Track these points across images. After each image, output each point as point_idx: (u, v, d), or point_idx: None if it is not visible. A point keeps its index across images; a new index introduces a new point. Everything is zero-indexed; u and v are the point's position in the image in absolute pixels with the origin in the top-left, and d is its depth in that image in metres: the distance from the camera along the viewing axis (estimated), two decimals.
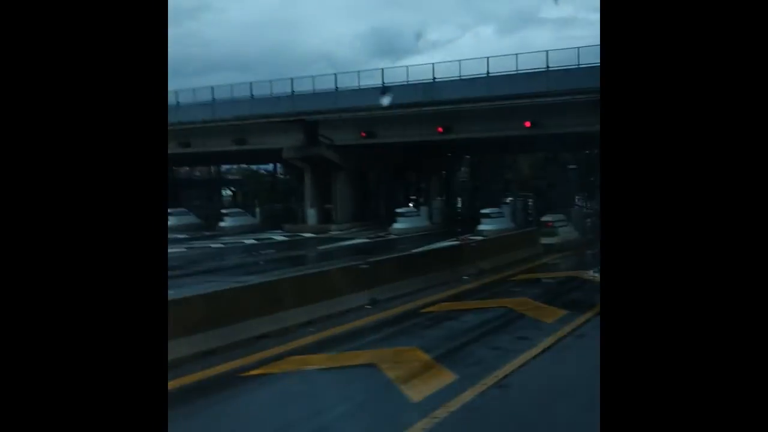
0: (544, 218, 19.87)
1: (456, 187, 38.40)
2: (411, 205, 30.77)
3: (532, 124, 23.47)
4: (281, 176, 45.19)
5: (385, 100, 23.70)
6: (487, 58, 24.00)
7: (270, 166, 45.95)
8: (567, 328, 8.67)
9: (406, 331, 8.95)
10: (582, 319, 9.25)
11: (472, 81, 24.29)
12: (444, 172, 37.73)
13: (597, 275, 13.89)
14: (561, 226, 19.43)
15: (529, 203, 28.63)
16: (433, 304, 10.70)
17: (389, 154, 30.38)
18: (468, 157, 40.78)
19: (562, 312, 9.76)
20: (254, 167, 48.98)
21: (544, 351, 7.54)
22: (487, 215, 24.44)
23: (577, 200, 31.36)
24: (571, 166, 38.63)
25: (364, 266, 10.93)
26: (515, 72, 23.54)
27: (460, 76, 24.71)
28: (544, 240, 18.54)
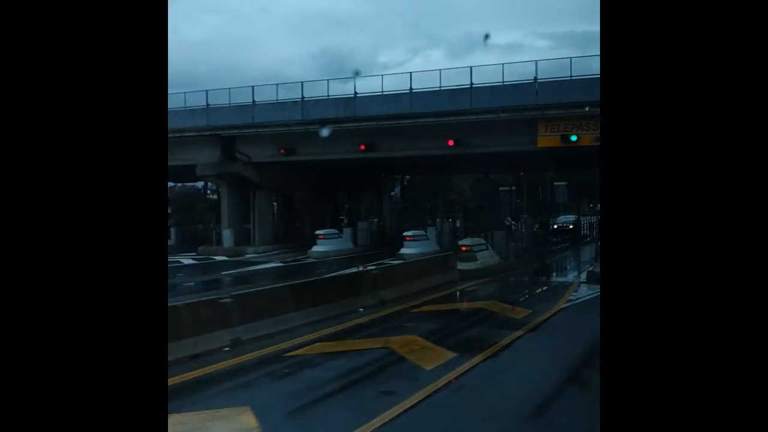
0: (462, 242, 18.64)
1: (389, 208, 37.11)
2: (342, 225, 29.21)
3: (455, 142, 22.40)
4: (211, 195, 43.06)
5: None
6: (410, 73, 22.96)
7: (200, 184, 43.76)
8: (446, 378, 7.27)
9: (252, 384, 7.39)
10: (468, 365, 7.88)
11: (395, 97, 23.08)
12: (378, 191, 36.44)
13: (510, 306, 12.64)
14: (480, 251, 18.23)
15: (458, 225, 27.56)
16: (307, 344, 9.18)
17: (316, 172, 28.88)
18: (408, 177, 39.71)
19: (450, 355, 8.39)
20: (198, 185, 46.54)
21: (403, 413, 6.10)
22: (410, 238, 23.12)
23: (507, 222, 30.54)
24: (504, 188, 38.04)
25: (227, 300, 9.33)
26: (438, 89, 22.48)
27: (382, 91, 23.53)
28: (461, 265, 17.31)
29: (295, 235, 29.69)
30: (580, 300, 13.62)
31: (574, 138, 20.84)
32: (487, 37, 74.44)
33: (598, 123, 21.51)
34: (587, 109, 19.93)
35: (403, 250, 22.39)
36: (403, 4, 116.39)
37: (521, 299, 13.86)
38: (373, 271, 13.49)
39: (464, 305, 12.76)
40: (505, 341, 9.27)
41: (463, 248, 18.09)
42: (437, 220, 27.42)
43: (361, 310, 12.07)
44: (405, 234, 23.36)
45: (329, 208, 32.19)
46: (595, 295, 14.53)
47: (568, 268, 21.14)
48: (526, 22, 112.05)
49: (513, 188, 38.40)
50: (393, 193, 39.15)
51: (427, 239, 23.88)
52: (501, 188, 38.89)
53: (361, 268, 12.86)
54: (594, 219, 36.35)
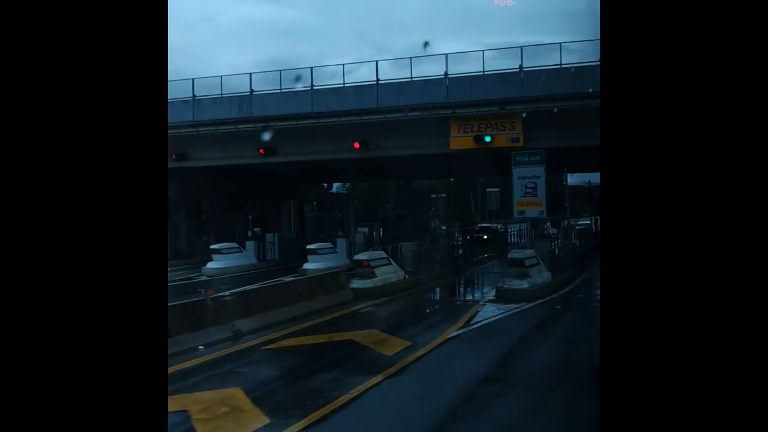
0: (358, 257, 16.47)
1: (308, 219, 34.68)
2: (248, 238, 26.58)
3: (361, 144, 20.27)
4: None
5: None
6: (311, 68, 20.72)
7: None
8: None
9: None
10: None
11: (295, 95, 20.85)
12: (299, 201, 33.96)
13: (387, 336, 10.45)
14: (380, 266, 16.06)
15: (374, 237, 25.42)
16: None
17: (226, 179, 26.29)
18: (324, 184, 37.40)
19: (260, 422, 6.10)
20: None
21: None
22: (314, 251, 20.78)
23: (434, 231, 28.55)
24: (434, 195, 36.18)
25: None
26: (342, 85, 20.35)
27: (281, 88, 21.22)
28: (355, 284, 15.10)
29: (200, 249, 27.00)
30: (476, 325, 11.54)
31: (488, 139, 19.01)
32: (426, 44, 72.69)
33: (514, 122, 19.79)
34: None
35: (307, 265, 20.05)
36: (350, 15, 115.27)
37: (407, 326, 11.71)
38: (225, 297, 11.09)
39: (333, 337, 10.49)
40: (352, 394, 7.03)
41: (362, 264, 15.91)
42: (355, 230, 25.24)
43: (201, 347, 9.66)
44: (308, 247, 21.04)
45: (238, 219, 29.58)
46: (500, 316, 12.55)
47: (479, 283, 19.19)
48: (470, 32, 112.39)
49: (441, 195, 36.62)
50: (315, 202, 36.80)
51: (335, 252, 21.62)
52: (433, 195, 37.09)
53: (204, 294, 10.40)
54: (524, 226, 34.71)
